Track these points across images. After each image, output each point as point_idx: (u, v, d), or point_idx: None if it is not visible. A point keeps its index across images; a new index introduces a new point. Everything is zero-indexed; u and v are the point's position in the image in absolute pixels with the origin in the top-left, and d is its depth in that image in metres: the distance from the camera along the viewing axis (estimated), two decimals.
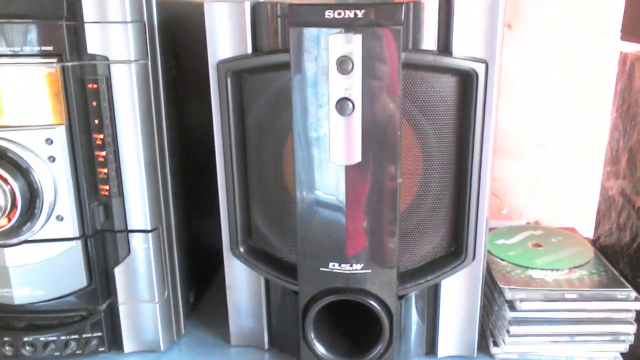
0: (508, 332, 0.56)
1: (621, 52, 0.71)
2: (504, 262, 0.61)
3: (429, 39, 0.47)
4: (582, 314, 0.56)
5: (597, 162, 0.76)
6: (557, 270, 0.59)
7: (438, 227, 0.53)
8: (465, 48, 0.47)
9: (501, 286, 0.57)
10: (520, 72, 0.85)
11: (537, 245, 0.65)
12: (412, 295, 0.55)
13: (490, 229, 0.67)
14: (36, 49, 0.49)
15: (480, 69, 0.47)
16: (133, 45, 0.50)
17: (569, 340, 0.57)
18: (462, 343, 0.57)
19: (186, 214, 0.62)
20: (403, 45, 0.45)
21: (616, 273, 0.60)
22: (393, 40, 0.45)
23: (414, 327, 0.57)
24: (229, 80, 0.50)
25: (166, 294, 0.59)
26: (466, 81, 0.48)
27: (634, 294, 0.56)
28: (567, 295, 0.55)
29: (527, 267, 0.60)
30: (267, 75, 0.50)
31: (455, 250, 0.53)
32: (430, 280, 0.53)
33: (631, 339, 0.57)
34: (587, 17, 0.84)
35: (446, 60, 0.47)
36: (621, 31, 0.70)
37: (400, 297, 0.54)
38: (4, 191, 0.49)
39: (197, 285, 0.67)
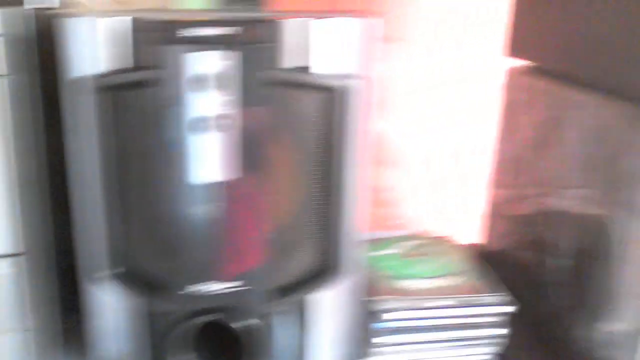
0: (372, 343, 0.57)
1: (505, 68, 0.74)
2: (379, 273, 0.62)
3: (293, 57, 0.47)
4: (450, 320, 0.57)
5: (484, 172, 0.79)
6: (432, 278, 0.60)
7: (309, 242, 0.52)
8: (330, 65, 0.48)
9: (367, 298, 0.57)
10: (411, 86, 0.87)
11: (416, 254, 0.66)
12: (284, 312, 0.54)
13: (375, 240, 0.68)
14: None
15: (344, 85, 0.48)
16: (5, 59, 0.48)
17: (440, 347, 0.58)
18: (336, 358, 0.57)
19: (65, 237, 0.59)
20: (269, 64, 0.46)
21: (493, 279, 0.61)
22: (259, 59, 0.45)
23: (286, 344, 0.56)
24: (85, 98, 0.48)
25: (38, 322, 0.56)
26: (331, 97, 0.48)
27: (505, 298, 0.58)
28: (436, 303, 0.57)
29: (400, 277, 0.60)
30: (132, 93, 0.48)
31: (327, 265, 0.53)
32: (301, 296, 0.53)
33: (503, 342, 0.58)
34: (473, 33, 0.87)
35: (307, 78, 0.47)
36: (505, 48, 0.73)
37: (272, 314, 0.53)
38: None
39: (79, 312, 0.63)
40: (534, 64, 0.68)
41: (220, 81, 0.45)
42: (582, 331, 0.58)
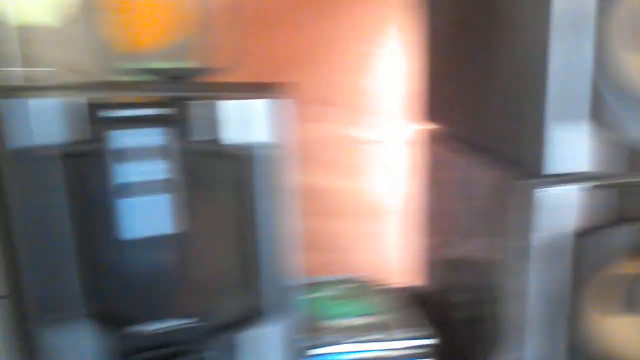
0: None
1: (415, 130, 0.86)
2: (310, 314, 0.70)
3: (204, 131, 0.57)
4: (372, 354, 0.65)
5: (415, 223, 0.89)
6: (359, 316, 0.69)
7: (237, 288, 0.60)
8: (240, 136, 0.57)
9: (296, 336, 0.64)
10: (340, 143, 0.98)
11: (347, 296, 0.75)
12: (221, 348, 0.61)
13: (313, 284, 0.77)
14: None
15: (249, 153, 0.57)
16: None
17: None
18: None
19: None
20: (183, 137, 0.55)
21: (418, 316, 0.70)
22: (176, 133, 0.55)
23: None
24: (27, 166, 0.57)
25: None
26: (239, 163, 0.58)
27: (424, 332, 0.67)
28: (359, 338, 0.65)
29: (329, 317, 0.69)
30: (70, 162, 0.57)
31: (254, 308, 0.61)
32: (231, 335, 0.61)
33: None
34: (384, 99, 0.98)
35: (214, 148, 0.57)
36: (420, 114, 0.84)
37: (209, 351, 0.61)
38: None
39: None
40: (446, 128, 0.79)
41: (144, 153, 0.55)
42: None
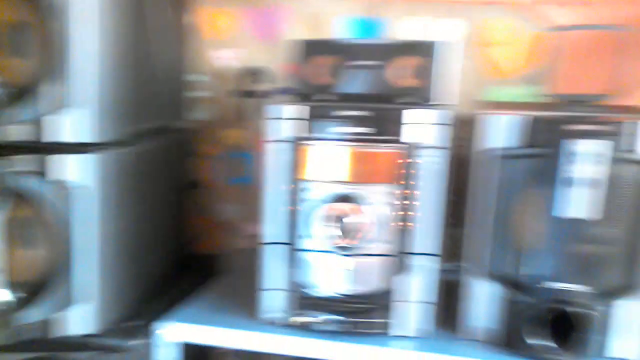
0: None
1: None
2: None
3: (627, 143, 0.77)
4: None
5: None
6: None
7: (623, 266, 0.80)
8: None
9: None
10: None
11: None
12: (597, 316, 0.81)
13: None
14: None
15: None
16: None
17: None
18: None
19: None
20: (614, 148, 0.77)
21: None
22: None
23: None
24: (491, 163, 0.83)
25: None
26: None
27: None
28: None
29: None
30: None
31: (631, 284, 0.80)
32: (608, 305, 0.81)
33: None
34: None
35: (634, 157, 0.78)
36: None
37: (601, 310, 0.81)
38: None
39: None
40: None
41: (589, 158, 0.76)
42: None
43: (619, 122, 0.76)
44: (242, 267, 1.17)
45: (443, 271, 0.86)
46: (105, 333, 0.87)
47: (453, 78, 1.02)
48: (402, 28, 1.15)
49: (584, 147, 0.76)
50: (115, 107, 0.86)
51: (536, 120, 0.80)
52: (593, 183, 0.77)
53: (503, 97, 1.13)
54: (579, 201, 0.78)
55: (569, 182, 0.77)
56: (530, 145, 0.80)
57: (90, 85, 0.82)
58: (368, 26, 1.17)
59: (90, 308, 0.86)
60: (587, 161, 0.77)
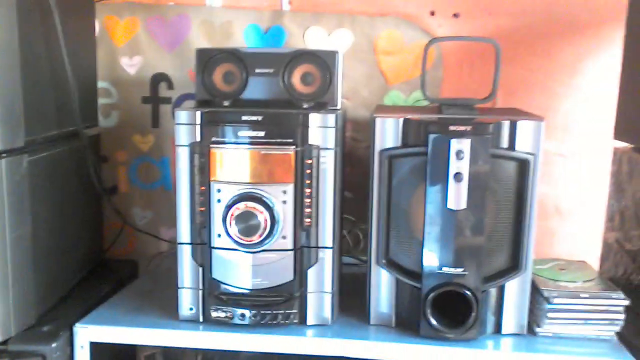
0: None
1: (614, 148, 1.10)
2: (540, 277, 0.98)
3: (500, 141, 0.87)
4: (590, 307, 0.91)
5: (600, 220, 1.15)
6: (574, 282, 0.96)
7: (502, 252, 0.91)
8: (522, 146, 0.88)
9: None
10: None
11: (562, 269, 1.02)
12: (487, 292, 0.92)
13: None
14: None
15: (528, 158, 0.87)
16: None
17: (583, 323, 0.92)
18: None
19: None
20: (488, 145, 0.86)
21: (612, 285, 0.96)
22: (483, 143, 0.86)
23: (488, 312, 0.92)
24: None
25: None
26: (522, 165, 0.89)
27: (622, 295, 0.92)
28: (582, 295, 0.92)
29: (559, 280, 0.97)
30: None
31: (511, 268, 0.91)
32: (497, 284, 0.92)
33: (621, 323, 0.92)
34: (588, 120, 1.23)
35: (507, 153, 0.88)
36: (614, 131, 1.08)
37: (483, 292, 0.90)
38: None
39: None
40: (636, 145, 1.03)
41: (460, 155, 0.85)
42: None
43: (485, 123, 0.87)
44: (161, 270, 1.22)
45: (349, 264, 0.93)
46: (18, 338, 0.88)
47: (347, 84, 1.14)
48: (303, 38, 1.26)
49: (452, 145, 0.85)
50: (21, 114, 0.88)
51: (406, 122, 0.90)
52: (460, 177, 0.86)
53: (395, 102, 1.26)
54: (452, 194, 0.87)
55: (439, 177, 0.87)
56: (408, 145, 0.90)
57: None
58: (271, 35, 1.27)
59: (0, 313, 0.86)
60: (453, 157, 0.86)
